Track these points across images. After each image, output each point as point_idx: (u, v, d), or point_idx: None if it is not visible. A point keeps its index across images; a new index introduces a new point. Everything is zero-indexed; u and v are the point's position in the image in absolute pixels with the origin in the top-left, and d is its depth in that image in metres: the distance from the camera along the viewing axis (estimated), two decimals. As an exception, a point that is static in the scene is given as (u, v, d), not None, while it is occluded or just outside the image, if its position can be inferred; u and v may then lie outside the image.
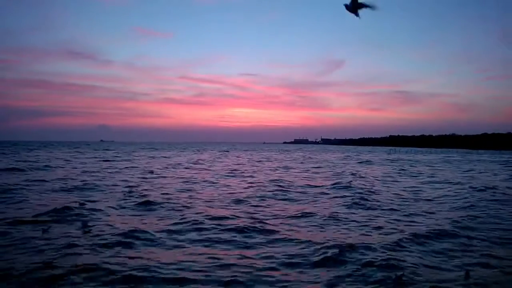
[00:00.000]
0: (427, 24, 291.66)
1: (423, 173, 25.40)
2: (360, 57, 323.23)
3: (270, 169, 28.61)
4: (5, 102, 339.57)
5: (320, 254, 6.77)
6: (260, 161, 42.19)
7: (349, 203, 12.49)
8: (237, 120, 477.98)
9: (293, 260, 6.54)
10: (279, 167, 31.36)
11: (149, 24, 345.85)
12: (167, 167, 28.91)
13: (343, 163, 38.17)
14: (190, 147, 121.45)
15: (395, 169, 29.64)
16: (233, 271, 5.99)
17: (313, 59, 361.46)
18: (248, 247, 7.35)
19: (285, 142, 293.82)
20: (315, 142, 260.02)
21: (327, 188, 16.55)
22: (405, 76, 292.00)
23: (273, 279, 5.73)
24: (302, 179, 21.03)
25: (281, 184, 17.83)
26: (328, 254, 6.70)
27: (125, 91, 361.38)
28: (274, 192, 15.01)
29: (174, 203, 12.19)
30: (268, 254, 6.86)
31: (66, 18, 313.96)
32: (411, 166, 33.97)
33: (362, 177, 21.45)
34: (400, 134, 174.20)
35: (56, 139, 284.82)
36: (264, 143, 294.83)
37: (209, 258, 6.64)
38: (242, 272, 5.95)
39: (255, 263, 6.39)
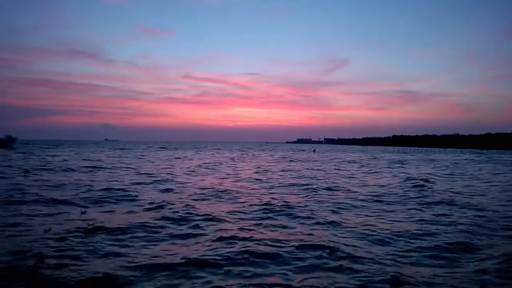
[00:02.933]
0: (432, 23, 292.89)
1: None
2: (364, 56, 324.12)
3: (325, 172, 27.32)
4: (9, 101, 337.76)
5: None
6: (291, 161, 43.48)
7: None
8: (240, 120, 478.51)
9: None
10: (330, 170, 30.23)
11: (152, 23, 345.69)
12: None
13: (380, 163, 39.52)
14: (199, 146, 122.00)
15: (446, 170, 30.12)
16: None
17: (316, 58, 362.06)
18: None
19: (288, 142, 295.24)
20: (318, 142, 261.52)
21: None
22: (409, 75, 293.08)
23: None
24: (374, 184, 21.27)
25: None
26: None
27: (128, 90, 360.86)
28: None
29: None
30: None
31: (69, 17, 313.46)
32: (452, 165, 35.54)
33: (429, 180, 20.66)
34: (404, 134, 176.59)
35: (60, 138, 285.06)
36: (267, 142, 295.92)
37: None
38: None
39: None
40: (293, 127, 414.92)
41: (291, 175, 23.98)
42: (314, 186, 17.23)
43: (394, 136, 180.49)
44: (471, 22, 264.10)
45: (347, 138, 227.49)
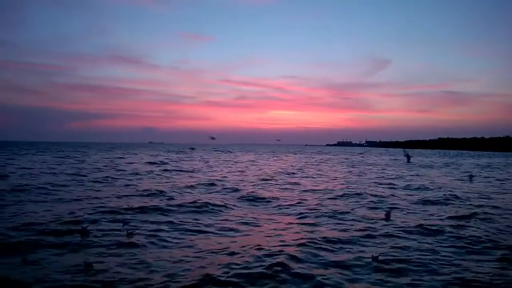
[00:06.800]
0: (478, 19, 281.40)
1: None
2: (407, 56, 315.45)
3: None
4: (58, 105, 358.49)
5: None
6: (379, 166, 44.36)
7: None
8: (279, 122, 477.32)
9: None
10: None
11: (192, 28, 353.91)
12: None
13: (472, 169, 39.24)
14: (250, 148, 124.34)
15: None
16: None
17: (357, 59, 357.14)
18: None
19: (328, 145, 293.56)
20: (360, 144, 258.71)
21: None
22: (455, 75, 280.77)
23: None
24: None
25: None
26: None
27: (170, 94, 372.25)
28: None
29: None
30: None
31: (113, 25, 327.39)
32: None
33: None
34: (450, 137, 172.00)
35: (106, 140, 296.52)
36: (306, 145, 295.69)
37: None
38: None
39: None
40: (332, 129, 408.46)
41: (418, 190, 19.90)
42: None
43: (440, 138, 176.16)
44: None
45: (389, 141, 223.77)
